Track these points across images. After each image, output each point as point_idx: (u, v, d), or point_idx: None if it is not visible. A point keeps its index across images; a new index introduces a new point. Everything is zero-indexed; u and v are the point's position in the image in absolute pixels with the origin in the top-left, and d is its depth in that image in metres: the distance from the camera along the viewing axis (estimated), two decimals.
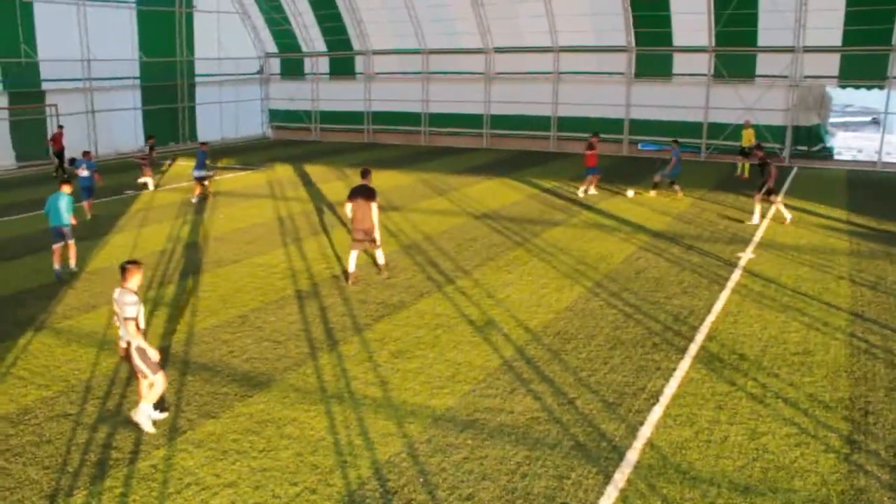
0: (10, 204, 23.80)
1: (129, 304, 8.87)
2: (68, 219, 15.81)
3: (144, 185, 26.68)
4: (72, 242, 15.99)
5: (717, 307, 13.35)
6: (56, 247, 15.77)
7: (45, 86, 32.34)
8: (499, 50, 36.78)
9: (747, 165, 27.77)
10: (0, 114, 30.88)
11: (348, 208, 14.86)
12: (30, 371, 10.95)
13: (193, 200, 23.70)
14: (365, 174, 15.28)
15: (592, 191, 24.63)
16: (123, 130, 36.03)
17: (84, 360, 11.31)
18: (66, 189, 15.99)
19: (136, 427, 9.12)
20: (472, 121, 38.12)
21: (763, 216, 20.31)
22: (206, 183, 24.10)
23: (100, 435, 8.96)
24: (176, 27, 37.62)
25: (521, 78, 36.58)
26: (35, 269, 16.24)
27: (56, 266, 15.68)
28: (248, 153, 36.30)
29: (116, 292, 9.07)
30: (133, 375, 9.52)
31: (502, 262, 16.41)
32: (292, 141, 41.67)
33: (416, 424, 9.14)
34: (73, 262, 16.09)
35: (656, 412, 9.38)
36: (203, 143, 25.24)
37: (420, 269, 15.92)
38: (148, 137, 30.45)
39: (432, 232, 19.22)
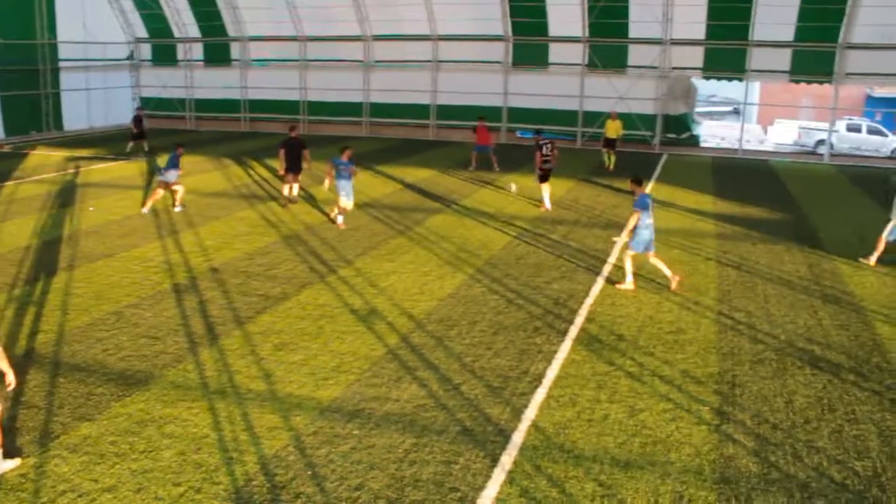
0: None
1: None
2: None
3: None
4: None
5: (595, 290, 13.79)
6: None
7: None
8: (378, 38, 36.63)
9: (613, 157, 27.87)
10: None
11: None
12: None
13: (178, 209, 20.61)
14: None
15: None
16: None
17: None
18: None
19: (2, 435, 8.63)
20: (352, 109, 37.85)
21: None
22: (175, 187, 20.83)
23: None
24: (35, 8, 35.46)
25: (401, 66, 36.57)
26: None
27: None
28: (119, 142, 34.74)
29: None
30: None
31: (384, 251, 16.40)
32: (167, 130, 40.15)
33: (303, 417, 9.04)
34: None
35: (540, 394, 9.62)
36: (180, 146, 21.48)
37: (302, 260, 15.71)
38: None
39: (314, 222, 19.00)
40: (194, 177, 25.62)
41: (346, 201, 18.47)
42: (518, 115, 34.79)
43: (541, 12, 33.05)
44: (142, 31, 41.37)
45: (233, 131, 39.44)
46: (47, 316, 12.54)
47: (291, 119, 38.18)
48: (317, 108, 38.55)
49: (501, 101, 35.05)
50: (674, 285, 13.78)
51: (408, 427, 8.79)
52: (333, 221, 18.72)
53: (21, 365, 10.57)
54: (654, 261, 13.95)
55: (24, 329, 11.91)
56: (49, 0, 36.00)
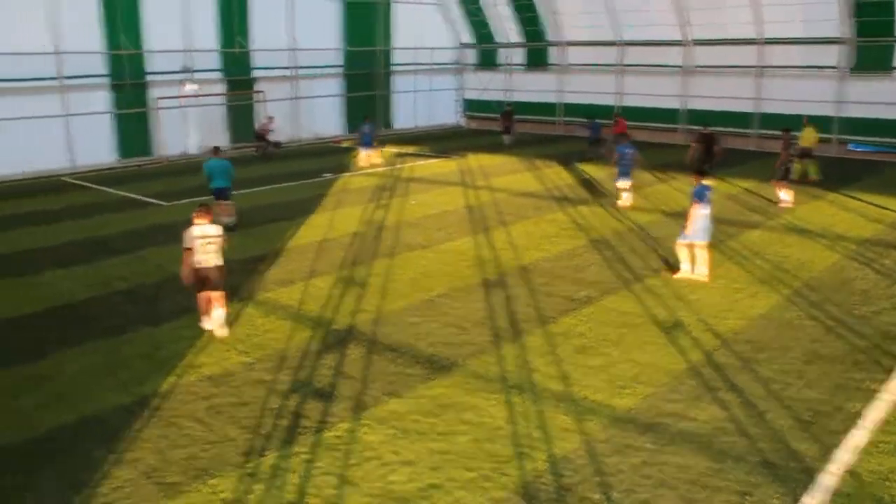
0: None
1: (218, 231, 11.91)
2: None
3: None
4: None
5: None
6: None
7: (254, 73, 34.59)
8: (699, 42, 35.38)
9: (811, 167, 24.69)
10: (219, 99, 33.38)
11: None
12: (233, 337, 11.82)
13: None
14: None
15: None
16: (324, 117, 37.92)
17: (280, 332, 12.06)
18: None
19: (323, 399, 9.63)
20: (668, 115, 36.93)
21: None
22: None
23: (291, 403, 9.54)
24: (378, 18, 39.08)
25: (722, 71, 35.01)
26: (242, 244, 17.37)
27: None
28: (441, 141, 37.14)
29: (204, 228, 11.69)
30: (206, 288, 11.88)
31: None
32: (484, 131, 42.10)
33: (596, 422, 9.04)
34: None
35: (856, 436, 8.74)
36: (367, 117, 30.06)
37: (608, 266, 15.67)
38: (507, 104, 39.44)
39: (622, 228, 18.86)
40: (507, 177, 26.61)
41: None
42: (851, 125, 31.67)
43: (888, 9, 29.74)
44: (467, 38, 43.71)
45: (547, 134, 40.29)
46: (368, 297, 13.75)
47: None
48: (632, 113, 38.08)
49: (833, 110, 32.15)
50: (700, 277, 14.57)
51: (704, 449, 8.44)
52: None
53: (343, 339, 11.72)
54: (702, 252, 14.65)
55: (347, 307, 13.17)
56: (387, 11, 39.44)
